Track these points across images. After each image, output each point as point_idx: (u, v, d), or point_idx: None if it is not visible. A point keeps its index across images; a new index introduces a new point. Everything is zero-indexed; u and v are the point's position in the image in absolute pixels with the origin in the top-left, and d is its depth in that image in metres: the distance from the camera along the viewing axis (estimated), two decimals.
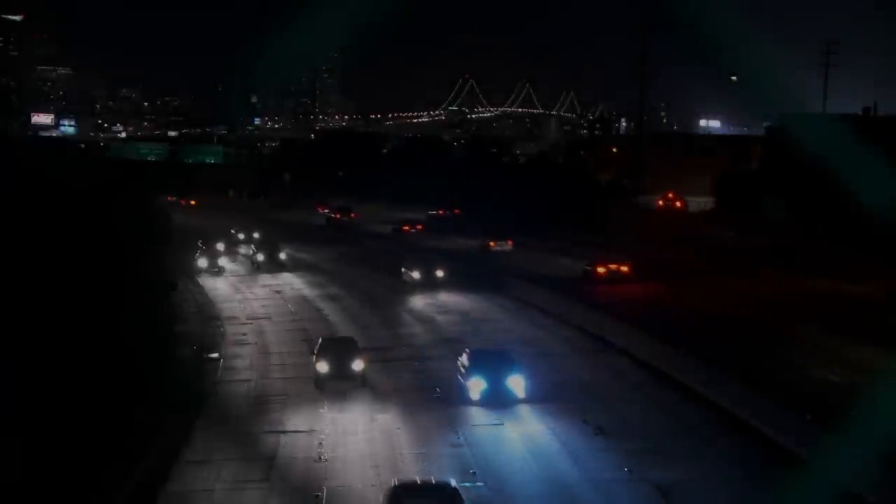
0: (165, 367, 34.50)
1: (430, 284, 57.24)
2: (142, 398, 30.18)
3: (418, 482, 22.25)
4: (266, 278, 65.99)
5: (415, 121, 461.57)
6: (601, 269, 58.79)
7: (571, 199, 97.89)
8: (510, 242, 76.40)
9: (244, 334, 46.44)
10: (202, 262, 67.96)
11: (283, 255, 70.85)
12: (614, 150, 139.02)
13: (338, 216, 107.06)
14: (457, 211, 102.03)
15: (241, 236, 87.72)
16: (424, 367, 37.99)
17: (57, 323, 27.60)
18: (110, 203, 41.55)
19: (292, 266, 69.97)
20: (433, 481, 22.23)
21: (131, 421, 28.23)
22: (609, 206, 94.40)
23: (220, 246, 75.41)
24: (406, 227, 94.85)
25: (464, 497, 20.23)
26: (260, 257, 70.74)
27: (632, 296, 51.47)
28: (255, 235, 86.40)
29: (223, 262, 70.06)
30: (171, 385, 33.32)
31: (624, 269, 58.88)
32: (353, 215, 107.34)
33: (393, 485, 21.42)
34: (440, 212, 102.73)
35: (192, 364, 38.31)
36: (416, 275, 58.06)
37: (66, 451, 23.75)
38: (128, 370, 30.40)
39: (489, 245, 76.07)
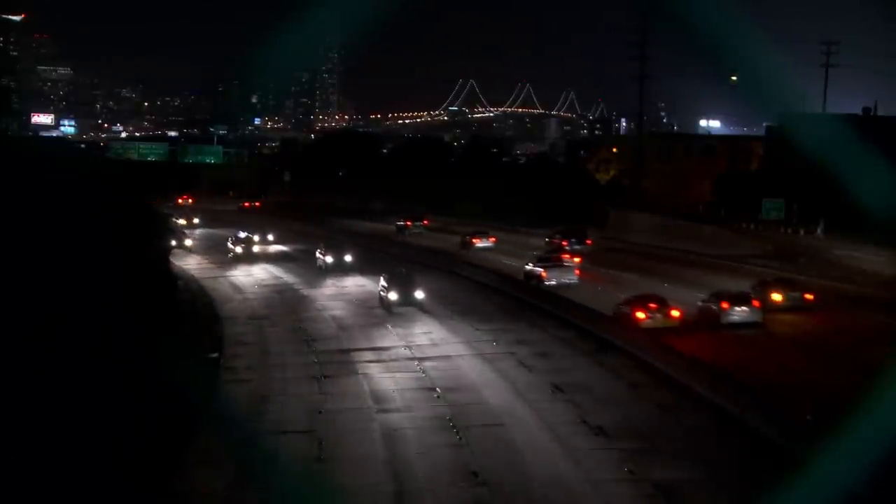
0: (164, 366, 34.49)
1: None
2: (141, 398, 30.18)
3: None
4: None
5: (415, 121, 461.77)
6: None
7: (571, 199, 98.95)
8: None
9: (244, 334, 46.57)
10: None
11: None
12: (615, 150, 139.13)
13: None
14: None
15: None
16: None
17: (56, 323, 27.61)
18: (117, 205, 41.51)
19: None
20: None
21: (130, 421, 28.25)
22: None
23: None
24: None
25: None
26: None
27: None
28: None
29: None
30: (171, 385, 33.32)
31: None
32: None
33: None
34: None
35: (192, 364, 38.27)
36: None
37: (67, 453, 23.76)
38: (126, 370, 30.40)
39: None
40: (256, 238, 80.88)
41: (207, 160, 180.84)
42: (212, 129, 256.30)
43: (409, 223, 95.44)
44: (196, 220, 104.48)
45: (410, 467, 25.79)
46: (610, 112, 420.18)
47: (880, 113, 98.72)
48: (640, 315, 42.83)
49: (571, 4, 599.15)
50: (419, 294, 49.74)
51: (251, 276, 67.32)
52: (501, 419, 29.98)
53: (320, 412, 31.95)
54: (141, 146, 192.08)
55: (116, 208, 40.12)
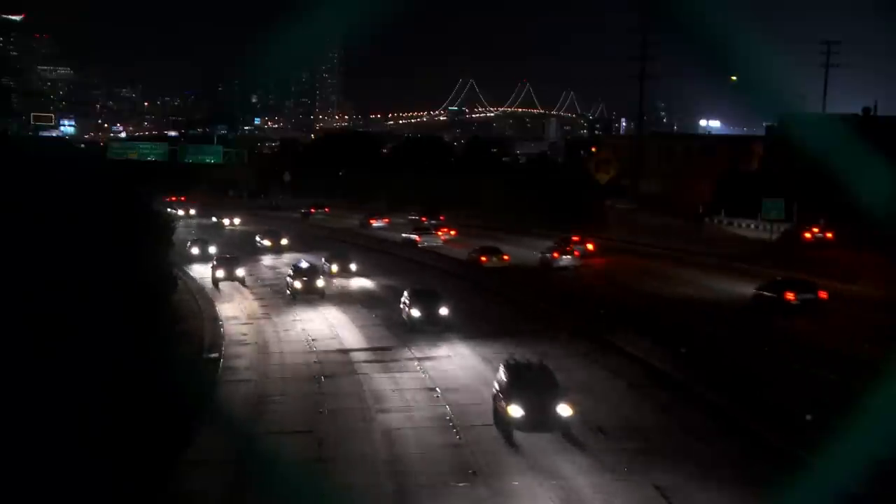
0: (164, 366, 34.47)
1: None
2: (140, 398, 30.15)
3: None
4: None
5: (415, 121, 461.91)
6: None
7: (571, 199, 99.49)
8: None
9: (244, 334, 46.49)
10: None
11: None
12: (615, 150, 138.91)
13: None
14: None
15: None
16: None
17: (52, 322, 27.58)
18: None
19: None
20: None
21: (129, 422, 28.21)
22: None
23: None
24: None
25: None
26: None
27: None
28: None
29: None
30: (170, 385, 33.29)
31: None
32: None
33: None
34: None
35: (192, 364, 38.27)
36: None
37: (65, 454, 23.74)
38: (125, 370, 30.37)
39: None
40: (335, 268, 63.89)
41: (207, 160, 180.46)
42: (211, 130, 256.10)
43: (312, 210, 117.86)
44: (284, 241, 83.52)
45: (410, 467, 25.77)
46: (610, 112, 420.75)
47: (880, 113, 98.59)
48: (484, 259, 64.63)
49: (572, 4, 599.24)
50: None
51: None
52: None
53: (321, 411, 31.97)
54: (141, 146, 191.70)
55: (115, 209, 40.12)
